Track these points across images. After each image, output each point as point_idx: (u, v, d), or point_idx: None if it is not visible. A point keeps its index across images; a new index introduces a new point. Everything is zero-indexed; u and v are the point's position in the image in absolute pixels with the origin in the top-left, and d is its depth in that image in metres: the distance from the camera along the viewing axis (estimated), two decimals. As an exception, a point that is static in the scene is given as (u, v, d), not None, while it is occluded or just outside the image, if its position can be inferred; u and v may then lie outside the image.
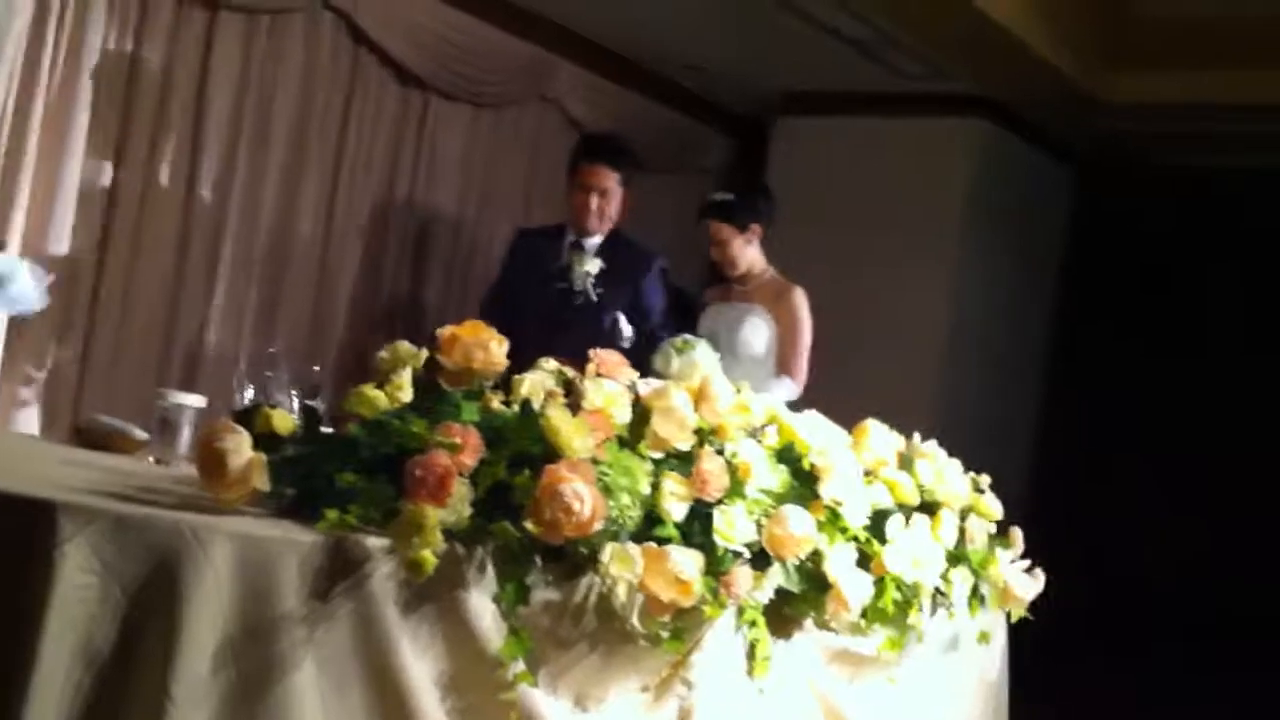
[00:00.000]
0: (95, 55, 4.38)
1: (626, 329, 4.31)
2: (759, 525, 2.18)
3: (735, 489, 2.18)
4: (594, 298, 4.30)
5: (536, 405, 2.03)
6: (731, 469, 2.19)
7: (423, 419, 1.94)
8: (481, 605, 1.89)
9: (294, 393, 2.40)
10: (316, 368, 2.48)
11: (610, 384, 2.15)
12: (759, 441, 2.31)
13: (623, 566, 1.98)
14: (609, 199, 4.41)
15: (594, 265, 4.33)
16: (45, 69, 4.23)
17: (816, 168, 6.57)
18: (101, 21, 4.38)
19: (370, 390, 2.01)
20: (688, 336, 3.90)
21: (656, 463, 2.12)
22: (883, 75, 6.08)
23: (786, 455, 2.34)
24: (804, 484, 2.31)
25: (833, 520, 2.30)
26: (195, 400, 2.48)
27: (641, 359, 3.87)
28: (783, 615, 2.25)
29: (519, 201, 5.82)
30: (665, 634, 2.06)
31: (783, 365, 4.41)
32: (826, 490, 2.30)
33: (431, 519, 1.81)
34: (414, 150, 5.50)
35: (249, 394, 2.43)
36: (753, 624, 2.18)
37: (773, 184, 6.69)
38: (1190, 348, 6.96)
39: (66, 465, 2.21)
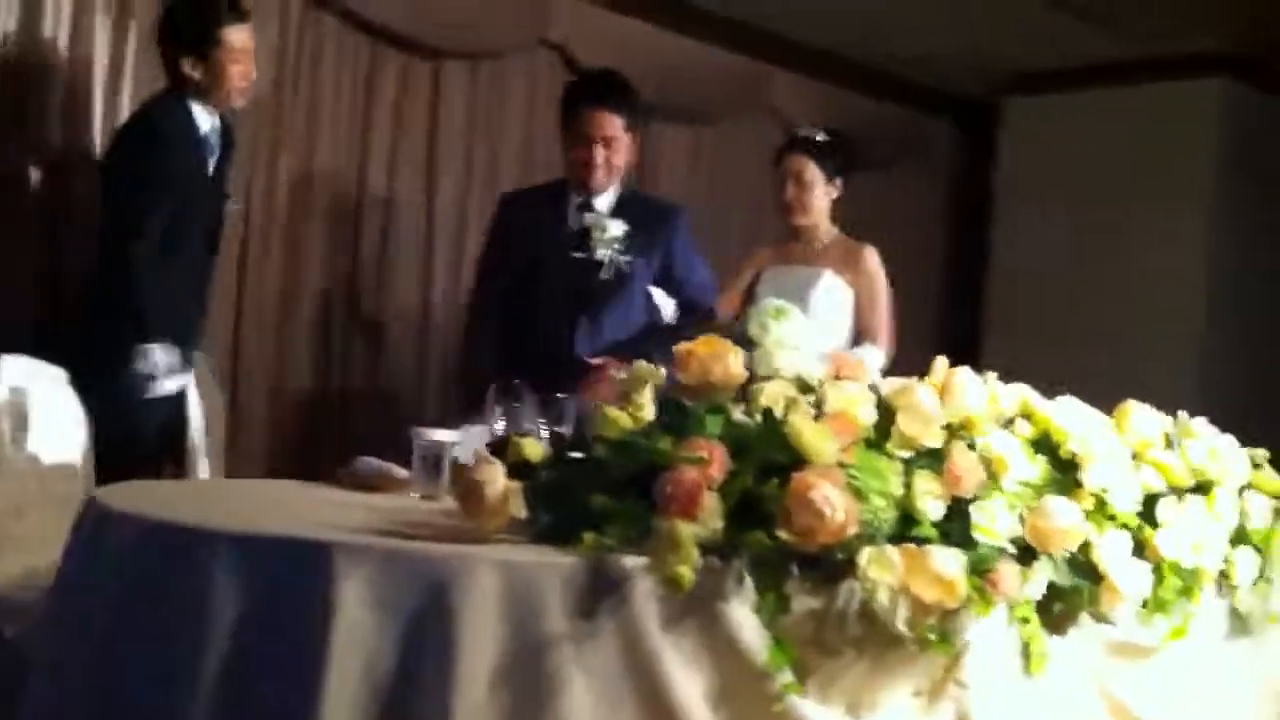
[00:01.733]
0: (329, 106, 4.59)
1: (666, 304, 3.72)
2: (1021, 519, 2.12)
3: (992, 483, 2.12)
4: (624, 269, 3.61)
5: (779, 413, 2.02)
6: (986, 462, 2.13)
7: (667, 436, 1.96)
8: (742, 617, 1.89)
9: (541, 421, 2.45)
10: (561, 395, 2.54)
11: (851, 385, 2.12)
12: (1012, 432, 2.24)
13: (882, 570, 1.95)
14: (615, 149, 3.62)
15: (618, 228, 3.61)
16: (287, 119, 4.47)
17: (1051, 147, 6.37)
18: (332, 75, 4.60)
19: (613, 411, 2.04)
20: (782, 303, 3.72)
21: (906, 462, 2.08)
22: (1112, 42, 5.84)
23: (1044, 444, 2.26)
24: (1065, 473, 2.23)
25: (1100, 508, 2.21)
26: (452, 436, 2.57)
27: (679, 335, 3.60)
28: (1055, 610, 2.17)
29: (747, 214, 5.82)
30: (933, 636, 2.01)
31: (866, 331, 4.01)
32: (1090, 477, 2.21)
33: (685, 534, 1.82)
34: (637, 173, 5.56)
35: (499, 425, 2.49)
36: (1024, 621, 2.11)
37: (1006, 167, 6.58)
38: None
39: (337, 507, 2.31)
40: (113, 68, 3.95)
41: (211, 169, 3.54)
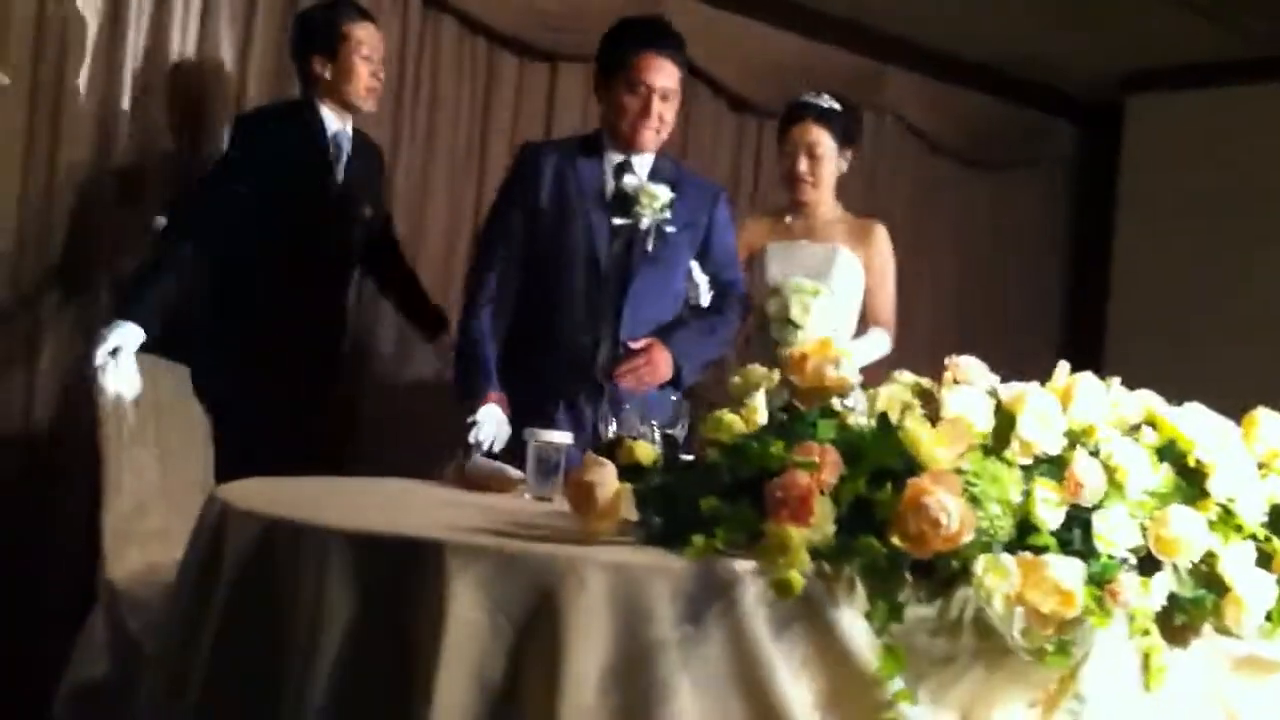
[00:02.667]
0: (448, 108, 4.65)
1: (703, 283, 3.35)
2: (1143, 529, 2.06)
3: (1114, 492, 2.07)
4: (671, 241, 3.22)
5: (894, 418, 2.00)
6: (1108, 470, 2.08)
7: (780, 440, 1.94)
8: (853, 623, 1.87)
9: (654, 423, 2.45)
10: (674, 397, 2.53)
11: (969, 391, 2.08)
12: (1137, 439, 2.19)
13: (998, 578, 1.91)
14: (671, 104, 3.20)
15: (665, 193, 3.20)
16: (407, 120, 4.52)
17: (1175, 145, 6.20)
18: (451, 77, 4.65)
19: (727, 415, 2.04)
20: (815, 284, 3.44)
21: (1026, 469, 2.04)
22: (1237, 40, 5.67)
23: (1169, 453, 2.20)
24: (1191, 482, 2.17)
25: (1225, 519, 2.15)
26: (564, 437, 2.58)
27: (722, 324, 3.27)
28: (1177, 622, 2.12)
29: (865, 211, 5.75)
30: (1050, 647, 1.97)
31: (874, 313, 3.74)
32: (1216, 487, 2.15)
33: (796, 539, 1.81)
34: (753, 173, 5.54)
35: (612, 428, 2.50)
36: (1145, 633, 2.06)
37: (1129, 166, 6.42)
38: None
39: (450, 507, 2.34)
40: (238, 77, 4.05)
41: (341, 174, 3.60)
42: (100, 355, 2.99)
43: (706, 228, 3.32)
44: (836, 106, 3.71)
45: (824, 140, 3.68)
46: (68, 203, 3.72)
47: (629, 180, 3.20)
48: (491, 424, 2.93)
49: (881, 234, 3.79)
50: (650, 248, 3.17)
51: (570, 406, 3.08)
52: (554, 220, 3.18)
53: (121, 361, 2.97)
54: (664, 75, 3.17)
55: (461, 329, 3.21)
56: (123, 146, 3.82)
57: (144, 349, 3.09)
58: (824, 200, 3.76)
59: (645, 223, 3.16)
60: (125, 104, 3.82)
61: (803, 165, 3.69)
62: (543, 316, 3.17)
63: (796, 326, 3.41)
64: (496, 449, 2.83)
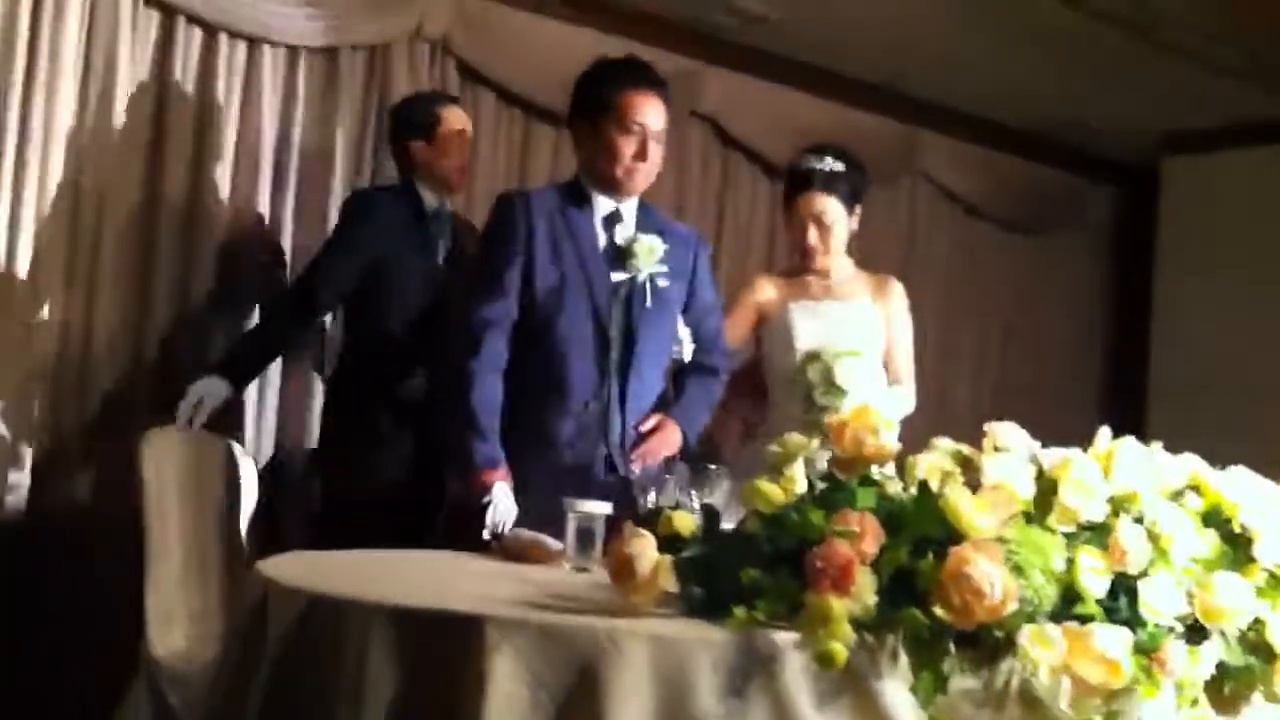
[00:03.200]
0: (486, 176, 4.65)
1: (686, 338, 3.20)
2: (1190, 596, 2.04)
3: (1159, 559, 2.05)
4: (666, 296, 3.08)
5: (934, 486, 1.99)
6: (1152, 537, 2.06)
7: (820, 509, 1.94)
8: (897, 695, 1.85)
9: (693, 493, 2.44)
10: (713, 466, 2.52)
11: (1010, 457, 2.07)
12: (1180, 505, 2.17)
13: (1043, 649, 1.90)
14: (661, 147, 3.06)
15: (659, 245, 3.04)
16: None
17: (1212, 207, 6.18)
18: (489, 146, 4.70)
19: (765, 485, 2.03)
20: (849, 350, 3.36)
21: (1068, 536, 2.02)
22: (1272, 101, 5.66)
23: (1214, 518, 2.18)
24: (1237, 547, 2.15)
25: (1273, 584, 2.12)
26: (603, 508, 2.57)
27: (713, 384, 3.23)
28: (1226, 690, 2.09)
29: (897, 274, 5.75)
30: (1097, 717, 1.94)
31: (894, 371, 3.62)
32: (1262, 552, 2.13)
33: (837, 610, 1.80)
34: (790, 239, 5.54)
35: (651, 498, 2.49)
36: (1194, 702, 2.03)
37: (1167, 228, 6.39)
38: None
39: (490, 579, 2.33)
40: (281, 133, 4.19)
41: (441, 251, 3.72)
42: (184, 408, 3.25)
43: (693, 276, 3.18)
44: (839, 168, 3.53)
45: (831, 208, 3.53)
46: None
47: (622, 232, 3.06)
48: (505, 504, 2.84)
49: (899, 290, 3.70)
50: (649, 302, 3.02)
51: (584, 470, 2.97)
52: (552, 277, 2.99)
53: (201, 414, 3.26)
54: (656, 114, 3.03)
55: (459, 392, 2.94)
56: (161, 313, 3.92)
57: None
58: (838, 261, 3.64)
59: (642, 276, 3.02)
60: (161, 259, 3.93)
61: (812, 237, 3.55)
62: (548, 378, 2.99)
63: (842, 391, 3.40)
64: (508, 529, 2.78)
